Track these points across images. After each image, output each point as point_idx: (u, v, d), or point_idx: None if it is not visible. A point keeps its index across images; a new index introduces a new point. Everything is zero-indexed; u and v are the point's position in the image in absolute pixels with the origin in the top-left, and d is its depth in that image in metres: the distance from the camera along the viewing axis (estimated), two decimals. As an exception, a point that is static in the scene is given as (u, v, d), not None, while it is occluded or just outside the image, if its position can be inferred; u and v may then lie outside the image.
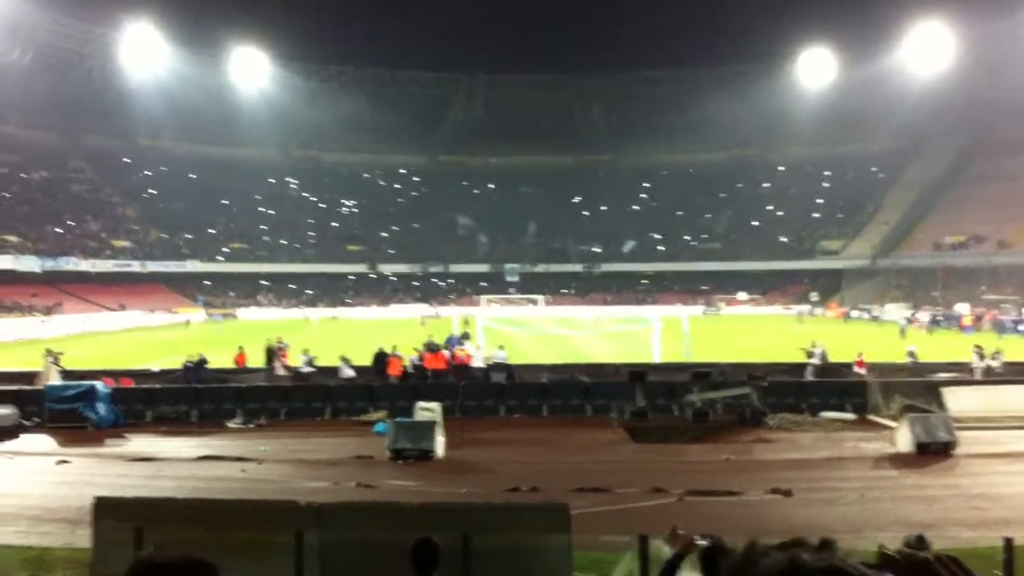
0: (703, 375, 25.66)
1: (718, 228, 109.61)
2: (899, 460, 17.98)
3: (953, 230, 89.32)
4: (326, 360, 30.86)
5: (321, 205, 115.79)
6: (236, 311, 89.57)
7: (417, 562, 5.60)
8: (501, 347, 31.67)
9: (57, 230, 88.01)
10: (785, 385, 25.94)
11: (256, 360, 32.69)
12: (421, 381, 28.46)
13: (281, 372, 29.70)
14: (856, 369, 28.80)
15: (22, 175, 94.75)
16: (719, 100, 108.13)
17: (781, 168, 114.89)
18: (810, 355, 30.03)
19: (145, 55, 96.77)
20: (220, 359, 32.78)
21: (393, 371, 28.85)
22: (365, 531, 9.72)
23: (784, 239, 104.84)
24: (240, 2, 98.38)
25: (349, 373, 29.07)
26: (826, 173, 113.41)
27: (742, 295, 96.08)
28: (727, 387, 24.33)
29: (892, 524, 12.11)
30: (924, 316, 68.45)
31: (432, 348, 31.36)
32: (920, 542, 5.93)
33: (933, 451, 18.09)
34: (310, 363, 30.34)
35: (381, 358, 29.56)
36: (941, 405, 22.10)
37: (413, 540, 5.63)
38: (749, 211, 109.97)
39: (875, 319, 73.24)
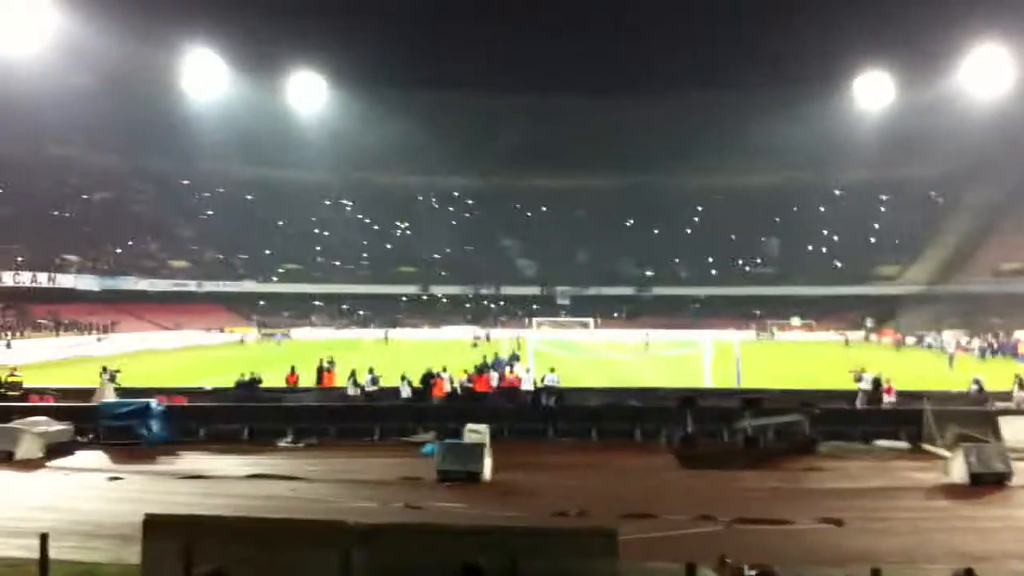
0: (754, 401, 25.39)
1: (772, 252, 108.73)
2: (953, 490, 17.63)
3: (1013, 256, 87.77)
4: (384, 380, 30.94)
5: (375, 227, 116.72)
6: (290, 331, 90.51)
7: None
8: (552, 370, 31.58)
9: (116, 250, 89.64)
10: (837, 413, 25.60)
11: (308, 380, 33.02)
12: (469, 403, 28.50)
13: (352, 392, 29.77)
14: (885, 396, 28.30)
15: (84, 196, 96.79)
16: (775, 122, 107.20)
17: (837, 192, 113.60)
18: (858, 380, 29.52)
19: (206, 79, 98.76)
20: (272, 378, 33.12)
21: (437, 392, 28.96)
22: (412, 552, 9.75)
23: (839, 264, 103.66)
24: (299, 28, 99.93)
25: (408, 392, 29.20)
26: (883, 197, 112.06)
27: (795, 320, 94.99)
28: (778, 414, 24.03)
29: (945, 556, 11.87)
30: (976, 343, 67.05)
31: (479, 370, 31.46)
32: (968, 574, 5.85)
33: (987, 481, 17.68)
34: (375, 382, 30.45)
35: (428, 378, 29.71)
36: (997, 435, 21.64)
37: (460, 563, 5.66)
38: (804, 235, 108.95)
39: (929, 347, 71.83)
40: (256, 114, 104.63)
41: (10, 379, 29.14)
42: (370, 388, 30.03)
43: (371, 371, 31.10)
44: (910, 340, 77.50)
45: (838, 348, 68.94)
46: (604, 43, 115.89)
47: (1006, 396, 28.65)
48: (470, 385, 30.24)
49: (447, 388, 29.45)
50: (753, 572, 5.07)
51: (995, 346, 64.93)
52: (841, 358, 50.11)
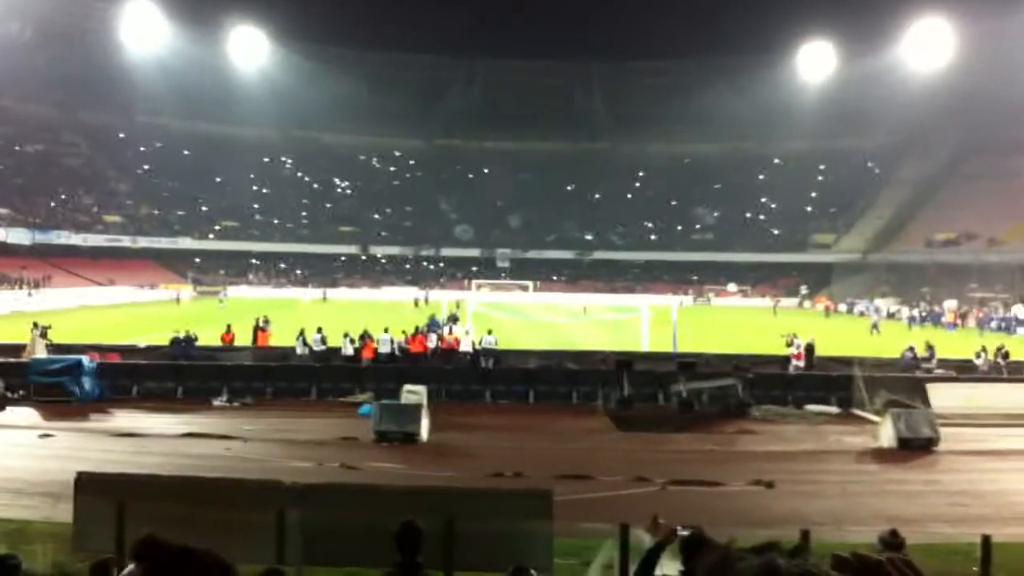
0: (689, 365, 25.71)
1: (711, 219, 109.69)
2: (881, 455, 18.07)
3: (946, 227, 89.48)
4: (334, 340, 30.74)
5: (315, 185, 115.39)
6: (226, 289, 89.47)
7: (401, 545, 5.62)
8: (490, 332, 31.64)
9: (50, 203, 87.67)
10: (770, 377, 26.06)
11: (244, 339, 32.74)
12: (406, 364, 28.52)
13: (300, 351, 29.59)
14: (794, 362, 28.94)
15: (16, 148, 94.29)
16: (718, 91, 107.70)
17: (776, 161, 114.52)
18: (790, 345, 30.01)
19: (144, 31, 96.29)
20: (208, 336, 32.78)
21: (367, 354, 28.91)
22: (348, 512, 9.75)
23: (776, 232, 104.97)
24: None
25: (351, 351, 29.15)
26: (821, 167, 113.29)
27: (732, 286, 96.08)
28: (713, 378, 24.40)
29: (872, 518, 12.15)
30: (905, 312, 68.44)
31: (417, 331, 31.46)
32: (894, 536, 5.99)
33: (915, 447, 18.16)
34: (323, 341, 30.31)
35: (363, 339, 29.66)
36: (925, 401, 22.17)
37: (397, 523, 5.65)
38: (743, 203, 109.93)
39: (861, 314, 73.07)
40: (195, 68, 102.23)
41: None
42: (319, 347, 29.90)
43: (319, 330, 30.90)
44: (842, 308, 78.95)
45: (771, 314, 69.85)
46: (551, 8, 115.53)
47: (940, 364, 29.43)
48: (407, 346, 30.25)
49: (386, 349, 29.41)
50: (685, 532, 5.14)
51: (923, 315, 66.39)
52: (774, 324, 50.81)
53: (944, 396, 22.81)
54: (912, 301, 74.13)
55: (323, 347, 30.02)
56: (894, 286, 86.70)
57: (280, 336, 33.94)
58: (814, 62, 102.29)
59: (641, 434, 20.57)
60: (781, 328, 36.16)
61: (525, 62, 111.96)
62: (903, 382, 24.30)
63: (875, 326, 52.84)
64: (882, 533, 6.13)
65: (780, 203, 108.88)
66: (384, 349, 29.38)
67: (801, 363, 28.65)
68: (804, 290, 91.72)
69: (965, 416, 21.49)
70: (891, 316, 64.97)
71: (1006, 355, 30.20)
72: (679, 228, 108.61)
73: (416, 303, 67.10)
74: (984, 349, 30.33)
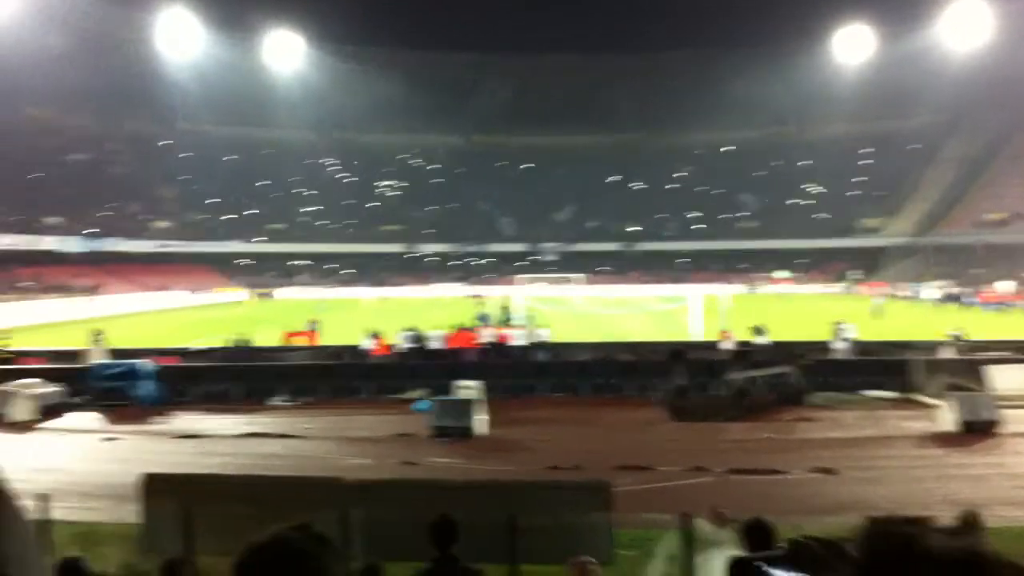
0: (743, 353, 25.55)
1: (755, 206, 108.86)
2: (943, 439, 17.83)
3: (994, 207, 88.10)
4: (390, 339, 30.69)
5: (358, 186, 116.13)
6: (274, 291, 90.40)
7: (437, 538, 5.72)
8: (543, 325, 31.69)
9: (98, 213, 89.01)
10: (827, 363, 25.77)
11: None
12: (457, 360, 28.56)
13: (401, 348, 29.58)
14: (722, 343, 28.79)
15: (62, 159, 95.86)
16: (756, 78, 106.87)
17: (818, 146, 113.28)
18: (840, 331, 29.72)
19: (183, 39, 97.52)
20: (265, 338, 33.20)
21: (382, 351, 29.02)
22: (409, 508, 9.83)
23: (822, 217, 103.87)
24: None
25: (439, 345, 29.25)
26: (864, 151, 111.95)
27: (781, 273, 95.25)
28: (768, 366, 24.19)
29: (937, 503, 12.03)
30: (934, 293, 67.47)
31: (464, 327, 31.44)
32: (968, 520, 5.91)
33: (977, 430, 17.90)
34: (418, 339, 30.13)
35: (419, 338, 29.78)
36: (985, 383, 21.84)
37: (459, 516, 5.73)
38: (786, 189, 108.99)
39: (907, 298, 71.73)
40: (234, 73, 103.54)
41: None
42: (411, 345, 29.76)
43: (411, 329, 30.75)
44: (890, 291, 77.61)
45: (822, 300, 69.15)
46: (586, 2, 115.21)
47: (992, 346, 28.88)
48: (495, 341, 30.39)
49: (435, 346, 29.46)
50: (745, 520, 5.14)
51: (957, 294, 65.21)
52: (825, 310, 50.34)
53: (1004, 378, 22.38)
54: (964, 283, 72.96)
55: (417, 344, 29.93)
56: (946, 268, 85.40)
57: (334, 335, 34.24)
58: (851, 45, 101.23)
59: (697, 424, 20.46)
60: (833, 314, 35.71)
61: (562, 56, 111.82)
62: (962, 364, 23.96)
63: (879, 308, 51.63)
64: (961, 514, 6.06)
65: (825, 188, 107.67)
66: (436, 346, 29.44)
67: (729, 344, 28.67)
68: (855, 275, 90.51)
69: (1026, 398, 21.15)
70: (947, 299, 63.80)
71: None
72: (723, 216, 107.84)
73: (478, 300, 66.04)
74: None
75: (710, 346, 29.40)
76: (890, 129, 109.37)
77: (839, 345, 28.58)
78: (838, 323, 30.31)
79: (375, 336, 29.45)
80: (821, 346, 28.95)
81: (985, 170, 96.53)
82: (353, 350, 29.79)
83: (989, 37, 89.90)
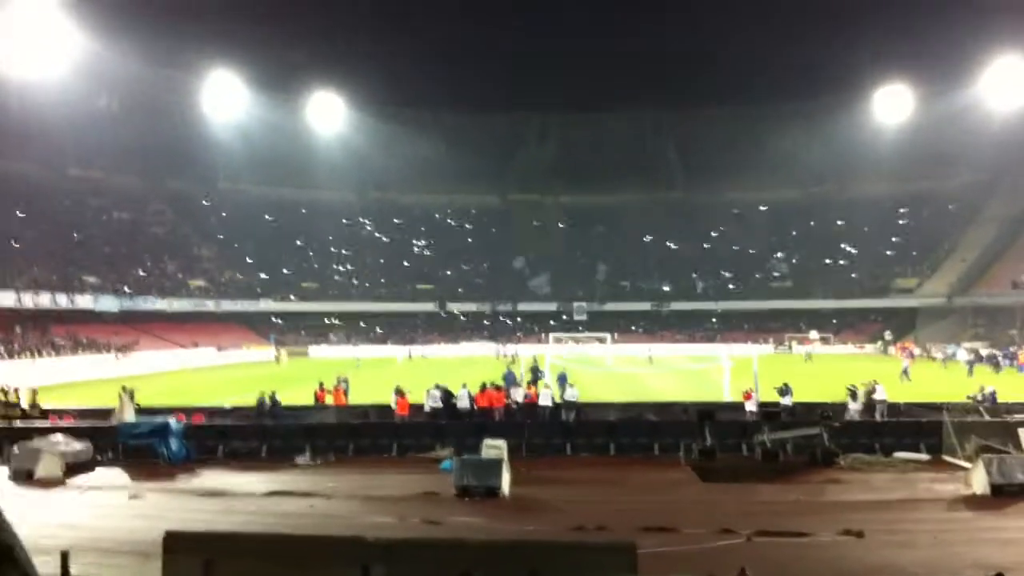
0: (773, 415, 25.33)
1: (790, 266, 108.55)
2: (974, 502, 17.51)
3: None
4: (417, 396, 30.63)
5: (393, 245, 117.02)
6: (307, 348, 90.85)
7: None
8: (571, 385, 31.58)
9: (136, 271, 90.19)
10: (857, 425, 25.54)
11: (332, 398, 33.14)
12: (486, 419, 28.51)
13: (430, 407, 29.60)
14: (746, 404, 28.72)
15: (104, 218, 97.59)
16: (793, 136, 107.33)
17: (855, 205, 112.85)
18: (871, 393, 29.44)
19: (226, 100, 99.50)
20: (293, 396, 33.29)
21: (401, 411, 28.96)
22: (431, 567, 9.74)
23: (857, 277, 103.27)
24: (318, 48, 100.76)
25: (466, 403, 29.22)
26: (902, 210, 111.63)
27: (813, 334, 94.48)
28: (797, 427, 23.96)
29: (968, 568, 11.78)
30: (963, 354, 66.57)
31: (491, 387, 31.29)
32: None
33: (1009, 493, 17.55)
34: (448, 397, 30.08)
35: (448, 395, 29.75)
36: (1018, 445, 21.50)
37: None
38: (822, 249, 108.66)
39: (947, 360, 70.74)
40: (276, 134, 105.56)
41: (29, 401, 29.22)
42: (436, 404, 29.73)
43: (437, 386, 30.72)
44: (919, 352, 76.53)
45: (855, 361, 68.49)
46: (621, 60, 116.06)
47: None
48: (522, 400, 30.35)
49: (464, 404, 29.37)
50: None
51: (992, 356, 64.25)
52: (856, 372, 49.89)
53: (1038, 440, 22.08)
54: (999, 345, 72.07)
55: (443, 402, 29.79)
56: (983, 329, 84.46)
57: (363, 394, 34.30)
58: (891, 104, 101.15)
59: (725, 485, 20.22)
60: (863, 375, 35.33)
61: (597, 114, 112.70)
62: (995, 427, 23.64)
63: (905, 372, 50.52)
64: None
65: (861, 248, 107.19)
66: (463, 404, 29.37)
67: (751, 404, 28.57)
68: (888, 336, 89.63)
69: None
70: (980, 360, 62.88)
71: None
72: (757, 276, 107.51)
73: (511, 359, 65.42)
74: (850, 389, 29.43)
75: (739, 406, 29.21)
76: (929, 189, 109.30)
77: (853, 407, 28.32)
78: (872, 383, 30.03)
79: (398, 393, 29.48)
80: (845, 408, 28.74)
81: (1022, 231, 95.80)
82: (381, 409, 29.83)
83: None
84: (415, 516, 16.02)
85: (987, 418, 25.61)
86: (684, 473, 21.68)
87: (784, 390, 29.34)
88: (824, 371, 46.66)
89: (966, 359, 61.91)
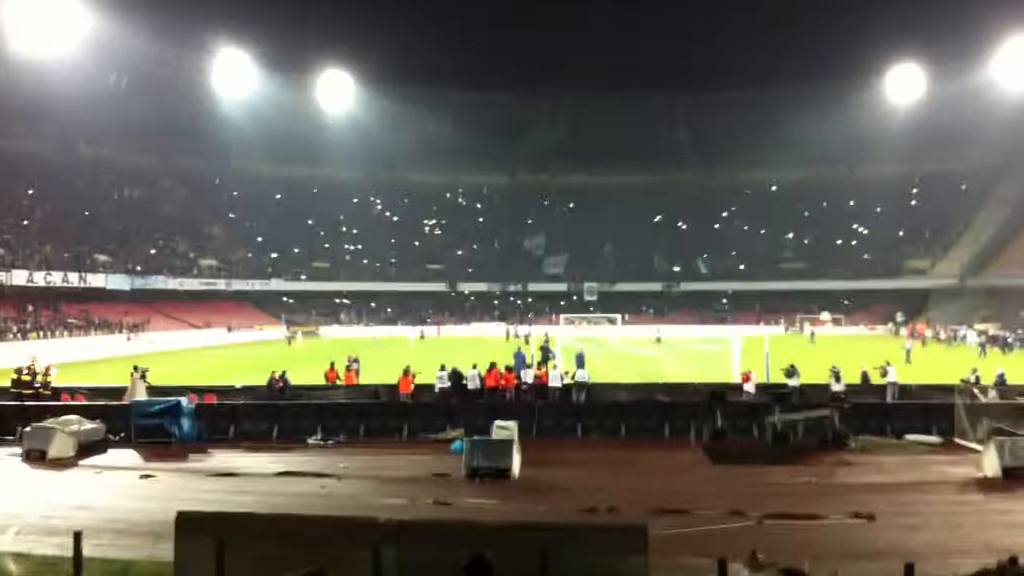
0: (783, 396, 25.29)
1: (801, 247, 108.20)
2: (986, 485, 17.47)
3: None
4: (428, 377, 30.63)
5: (403, 225, 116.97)
6: (319, 329, 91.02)
7: None
8: (583, 366, 31.55)
9: (148, 250, 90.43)
10: (868, 407, 25.42)
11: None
12: (496, 399, 28.51)
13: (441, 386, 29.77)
14: (744, 385, 28.60)
15: (115, 196, 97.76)
16: (805, 118, 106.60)
17: (867, 186, 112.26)
18: (884, 375, 29.32)
19: (236, 79, 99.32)
20: (304, 375, 33.36)
21: (404, 390, 29.04)
22: (443, 548, 9.75)
23: (869, 258, 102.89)
24: (328, 26, 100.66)
25: (476, 383, 29.23)
26: (914, 191, 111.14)
27: (825, 315, 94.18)
28: (808, 408, 23.91)
29: (979, 549, 11.74)
30: (972, 336, 66.40)
31: (505, 368, 31.25)
32: (1013, 563, 5.79)
33: (1020, 476, 17.48)
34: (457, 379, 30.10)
35: (458, 376, 29.73)
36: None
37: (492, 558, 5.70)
38: (834, 230, 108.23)
39: (958, 341, 70.41)
40: (285, 113, 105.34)
41: (43, 378, 29.26)
42: (444, 384, 29.80)
43: (443, 367, 30.72)
44: (931, 334, 76.11)
45: (864, 342, 68.28)
46: (631, 40, 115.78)
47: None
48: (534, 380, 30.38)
49: (474, 385, 29.37)
50: (781, 568, 5.07)
51: (1004, 337, 63.85)
52: (870, 353, 49.78)
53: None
54: (1012, 327, 71.70)
55: (452, 383, 29.86)
56: (995, 311, 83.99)
57: (375, 374, 34.38)
58: (903, 85, 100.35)
59: (736, 467, 20.21)
60: (877, 357, 35.22)
61: (608, 95, 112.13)
62: (1006, 409, 23.52)
63: (908, 354, 49.73)
64: (1001, 560, 5.95)
65: (872, 229, 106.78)
66: (473, 385, 29.36)
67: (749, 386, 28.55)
68: (900, 317, 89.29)
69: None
70: (992, 341, 62.60)
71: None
72: (769, 257, 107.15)
73: (524, 339, 64.91)
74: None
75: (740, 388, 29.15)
76: (941, 170, 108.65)
77: (836, 388, 28.17)
78: (885, 365, 29.89)
79: (405, 373, 29.53)
80: (857, 389, 28.65)
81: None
82: (391, 389, 29.86)
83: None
84: (426, 497, 16.06)
85: (983, 400, 25.39)
86: (695, 455, 21.67)
87: (791, 372, 29.24)
88: (832, 353, 46.44)
89: (976, 340, 61.63)
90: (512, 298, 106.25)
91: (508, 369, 30.94)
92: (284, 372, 30.57)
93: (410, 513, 13.83)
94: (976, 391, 26.54)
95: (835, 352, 47.03)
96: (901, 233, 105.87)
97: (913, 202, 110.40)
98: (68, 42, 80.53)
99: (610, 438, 24.44)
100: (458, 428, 24.17)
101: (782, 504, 15.23)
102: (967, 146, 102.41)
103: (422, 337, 79.78)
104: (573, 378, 30.06)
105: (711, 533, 13.31)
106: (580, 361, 33.97)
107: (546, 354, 40.45)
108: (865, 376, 30.71)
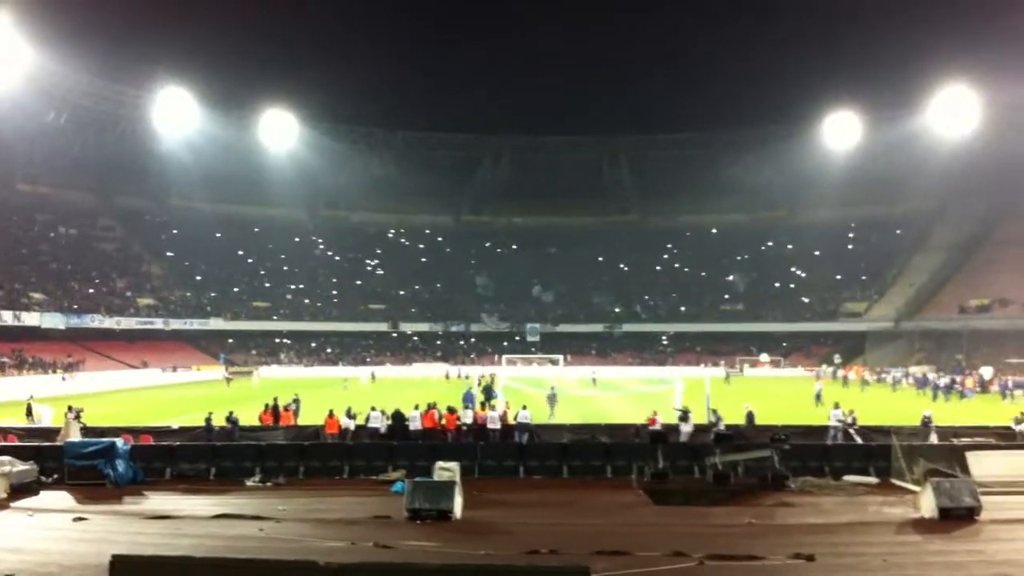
0: (724, 437, 25.46)
1: (741, 289, 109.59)
2: (923, 525, 17.69)
3: (978, 293, 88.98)
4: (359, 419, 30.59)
5: (345, 264, 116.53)
6: (258, 368, 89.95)
7: None
8: (524, 407, 31.54)
9: (84, 288, 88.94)
10: (807, 448, 25.67)
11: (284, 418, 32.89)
12: (437, 440, 28.46)
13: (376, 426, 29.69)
14: (650, 427, 28.79)
15: (51, 234, 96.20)
16: (745, 162, 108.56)
17: (806, 230, 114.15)
18: (683, 418, 29.73)
19: (177, 117, 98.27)
20: (245, 415, 32.96)
21: (330, 430, 29.07)
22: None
23: (807, 300, 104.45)
24: (270, 65, 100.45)
25: (417, 424, 29.37)
26: (851, 235, 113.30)
27: (764, 357, 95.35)
28: (749, 449, 24.11)
29: (916, 591, 11.89)
30: (906, 379, 67.92)
31: (446, 408, 31.31)
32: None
33: (956, 516, 17.74)
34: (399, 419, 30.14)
35: (400, 417, 29.66)
36: (965, 469, 21.78)
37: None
38: (773, 273, 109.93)
39: (896, 382, 71.29)
40: (228, 151, 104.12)
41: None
42: (375, 425, 29.71)
43: (373, 408, 30.74)
44: (871, 377, 77.08)
45: (805, 384, 69.13)
46: (575, 85, 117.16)
47: (968, 431, 28.89)
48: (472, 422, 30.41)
49: (416, 425, 29.36)
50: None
51: (934, 380, 64.53)
52: (808, 394, 50.40)
53: (984, 464, 22.36)
54: (945, 369, 73.13)
55: (387, 424, 29.89)
56: (929, 353, 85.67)
57: (314, 415, 34.05)
58: (840, 130, 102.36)
59: (677, 508, 20.33)
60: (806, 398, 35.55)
61: (551, 137, 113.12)
62: (942, 451, 23.95)
63: (817, 396, 48.82)
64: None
65: (810, 272, 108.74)
66: (415, 426, 29.35)
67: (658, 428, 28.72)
68: (837, 359, 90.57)
69: (1006, 484, 21.02)
70: (926, 383, 63.61)
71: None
72: (709, 299, 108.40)
73: (478, 380, 64.07)
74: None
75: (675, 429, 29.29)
76: (878, 214, 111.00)
77: (684, 429, 28.67)
78: (681, 409, 30.44)
79: (330, 415, 29.48)
80: (802, 430, 28.98)
81: (971, 256, 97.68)
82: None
83: (976, 124, 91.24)
84: (367, 540, 15.85)
85: (917, 443, 25.81)
86: (636, 495, 21.70)
87: (684, 415, 29.56)
88: (746, 393, 46.95)
89: (919, 382, 62.65)
90: (454, 338, 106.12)
91: (450, 410, 30.89)
92: (231, 412, 30.24)
93: (350, 556, 13.65)
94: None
95: (749, 392, 47.93)
96: (838, 276, 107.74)
97: (850, 246, 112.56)
98: (6, 78, 79.26)
99: (552, 479, 24.43)
100: (399, 469, 23.99)
101: (723, 545, 15.26)
102: (903, 191, 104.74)
103: (373, 378, 78.88)
104: (515, 419, 30.05)
105: (653, 574, 13.30)
106: (552, 400, 34.18)
107: (489, 393, 40.45)
108: (750, 416, 30.96)
